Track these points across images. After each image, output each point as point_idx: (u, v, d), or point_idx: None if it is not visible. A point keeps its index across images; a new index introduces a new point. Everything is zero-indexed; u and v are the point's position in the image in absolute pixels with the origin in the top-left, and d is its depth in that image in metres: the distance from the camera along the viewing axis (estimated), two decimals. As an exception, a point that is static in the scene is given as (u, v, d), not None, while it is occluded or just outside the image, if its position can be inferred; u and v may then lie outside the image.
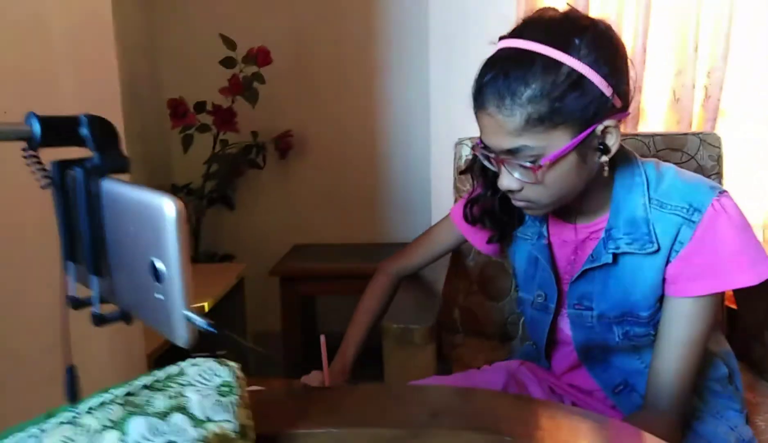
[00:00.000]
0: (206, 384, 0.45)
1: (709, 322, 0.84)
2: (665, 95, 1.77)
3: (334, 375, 1.02)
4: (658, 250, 0.83)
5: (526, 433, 0.50)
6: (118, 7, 1.84)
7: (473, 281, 1.52)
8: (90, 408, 0.42)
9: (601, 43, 0.75)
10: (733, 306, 1.39)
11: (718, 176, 1.40)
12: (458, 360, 1.38)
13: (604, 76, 0.74)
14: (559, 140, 0.75)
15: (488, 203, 0.95)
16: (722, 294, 0.86)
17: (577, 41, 0.73)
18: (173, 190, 2.07)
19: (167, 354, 1.24)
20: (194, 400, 0.44)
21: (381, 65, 2.16)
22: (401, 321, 0.97)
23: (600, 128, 0.76)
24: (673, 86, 1.75)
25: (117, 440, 0.41)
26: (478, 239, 1.07)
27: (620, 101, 0.77)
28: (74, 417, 0.42)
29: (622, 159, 0.86)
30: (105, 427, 0.41)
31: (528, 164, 0.76)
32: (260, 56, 1.86)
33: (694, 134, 1.41)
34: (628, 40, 1.70)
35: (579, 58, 0.73)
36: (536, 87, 0.72)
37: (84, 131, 0.37)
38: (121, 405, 0.42)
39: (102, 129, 0.38)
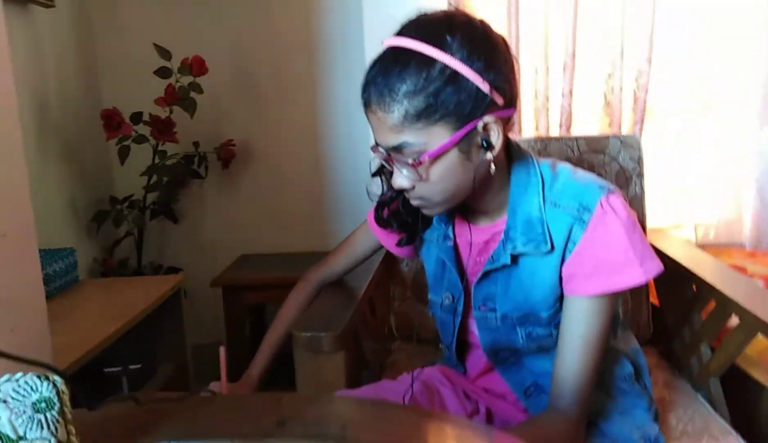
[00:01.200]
0: (21, 400, 0.44)
1: (606, 321, 0.85)
2: (598, 99, 1.81)
3: (238, 386, 1.01)
4: (553, 249, 0.85)
5: (372, 439, 0.50)
6: (51, 17, 1.84)
7: (407, 287, 1.52)
8: None
9: (474, 40, 0.77)
10: (656, 303, 1.42)
11: (639, 177, 1.43)
12: (392, 367, 1.38)
13: (479, 72, 0.75)
14: (439, 136, 0.76)
15: (394, 205, 0.95)
16: (619, 293, 0.86)
17: (449, 38, 0.75)
18: (112, 202, 2.03)
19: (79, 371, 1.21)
20: (4, 418, 0.43)
21: (322, 71, 2.16)
22: (310, 329, 0.96)
23: (480, 124, 0.77)
24: (604, 90, 1.78)
25: None
26: (390, 242, 1.08)
27: (501, 98, 0.78)
28: None
29: (518, 159, 0.88)
30: None
31: (411, 161, 0.77)
32: (195, 66, 1.84)
33: (615, 137, 1.44)
34: (559, 45, 1.73)
35: (452, 54, 0.75)
36: (411, 83, 0.75)
37: None
38: None
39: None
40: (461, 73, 0.75)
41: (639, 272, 0.82)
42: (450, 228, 0.96)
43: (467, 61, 0.75)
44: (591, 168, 1.42)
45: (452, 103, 0.75)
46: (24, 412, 0.43)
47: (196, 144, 2.08)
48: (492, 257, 0.90)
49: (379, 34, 1.72)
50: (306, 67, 2.15)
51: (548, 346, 0.92)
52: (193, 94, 1.89)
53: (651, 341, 1.41)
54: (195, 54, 1.88)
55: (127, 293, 1.61)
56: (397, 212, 0.95)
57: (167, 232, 2.24)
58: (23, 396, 0.44)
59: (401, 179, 0.81)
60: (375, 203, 1.00)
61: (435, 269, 1.00)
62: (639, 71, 1.71)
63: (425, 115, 0.75)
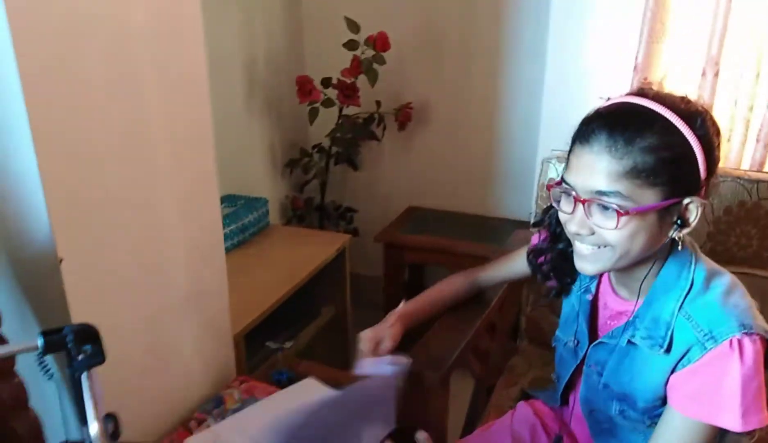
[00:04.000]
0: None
1: None
2: None
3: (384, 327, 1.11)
4: (668, 353, 0.85)
5: None
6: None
7: (542, 295, 1.58)
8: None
9: (712, 130, 0.80)
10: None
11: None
12: (511, 371, 1.49)
13: (705, 159, 0.79)
14: (648, 199, 0.79)
15: (548, 256, 1.02)
16: (717, 430, 0.85)
17: (699, 120, 0.78)
18: (303, 153, 2.32)
19: (254, 333, 1.53)
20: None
21: (507, 42, 2.11)
22: (417, 365, 1.11)
23: (686, 201, 0.80)
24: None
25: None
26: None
27: (705, 185, 0.81)
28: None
29: (677, 254, 0.87)
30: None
31: (616, 207, 0.78)
32: (379, 42, 1.95)
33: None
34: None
35: (696, 135, 0.78)
36: (652, 141, 0.77)
37: (69, 339, 0.57)
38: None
39: (82, 335, 0.58)
40: (696, 154, 0.78)
41: (737, 421, 0.80)
42: (594, 284, 1.00)
43: (704, 146, 0.78)
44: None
45: (675, 175, 0.78)
46: None
47: (378, 103, 2.23)
48: (612, 332, 0.94)
49: (565, 7, 1.68)
50: (493, 37, 2.12)
51: (641, 430, 0.96)
52: (375, 65, 2.01)
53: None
54: (381, 29, 1.98)
55: (303, 248, 1.91)
56: (544, 265, 1.02)
57: (348, 178, 2.50)
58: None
59: (583, 223, 0.82)
60: (537, 236, 1.08)
61: (569, 313, 1.06)
62: None
63: (648, 175, 0.77)
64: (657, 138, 0.77)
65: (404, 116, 2.22)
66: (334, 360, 1.99)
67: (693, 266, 0.86)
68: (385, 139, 2.33)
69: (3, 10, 0.78)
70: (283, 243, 1.97)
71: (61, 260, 0.93)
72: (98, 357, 0.58)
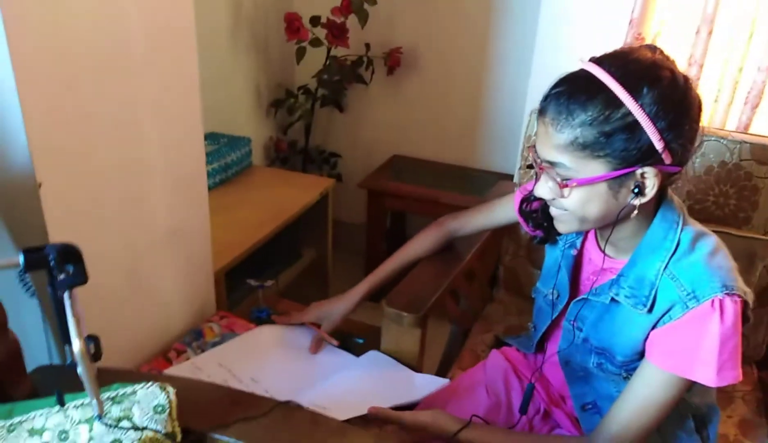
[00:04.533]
0: (147, 404, 0.68)
1: (671, 398, 0.87)
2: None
3: (335, 301, 1.23)
4: (650, 313, 0.88)
5: None
6: None
7: (522, 246, 1.60)
8: (75, 405, 0.67)
9: (669, 99, 0.78)
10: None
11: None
12: (486, 319, 1.52)
13: (660, 130, 0.78)
14: (594, 169, 0.80)
15: (536, 204, 1.03)
16: (689, 384, 0.88)
17: (645, 89, 0.77)
18: (288, 94, 2.27)
19: (235, 271, 1.53)
20: (137, 414, 0.67)
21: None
22: (397, 306, 1.13)
23: (640, 171, 0.80)
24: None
25: (87, 432, 0.66)
26: (528, 226, 1.14)
27: (671, 157, 0.80)
28: (66, 408, 0.67)
29: (665, 215, 0.88)
30: (80, 421, 0.66)
31: (559, 179, 0.82)
32: (371, -20, 1.89)
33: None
34: None
35: (641, 105, 0.77)
36: (591, 115, 0.78)
37: (51, 258, 0.57)
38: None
39: (64, 255, 0.58)
40: (642, 125, 0.77)
41: (712, 376, 0.82)
42: (579, 240, 1.02)
43: (654, 116, 0.77)
44: (747, 180, 1.31)
45: (620, 148, 0.78)
46: (148, 412, 0.68)
47: (367, 46, 2.18)
48: (595, 289, 0.96)
49: None
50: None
51: (617, 381, 0.99)
52: (366, 6, 1.96)
53: (761, 363, 1.37)
54: (374, -35, 1.91)
55: (286, 190, 1.89)
56: (538, 212, 1.02)
57: (333, 121, 2.47)
58: (149, 400, 0.68)
59: (544, 189, 0.86)
60: (524, 187, 1.09)
61: (552, 266, 1.07)
62: None
63: (591, 148, 0.79)
64: (597, 112, 0.77)
65: (393, 61, 2.18)
66: (313, 301, 2.00)
67: (679, 228, 0.87)
68: (373, 84, 2.29)
69: None
70: (266, 184, 1.95)
71: (39, 185, 0.91)
72: (80, 276, 0.58)
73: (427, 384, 1.12)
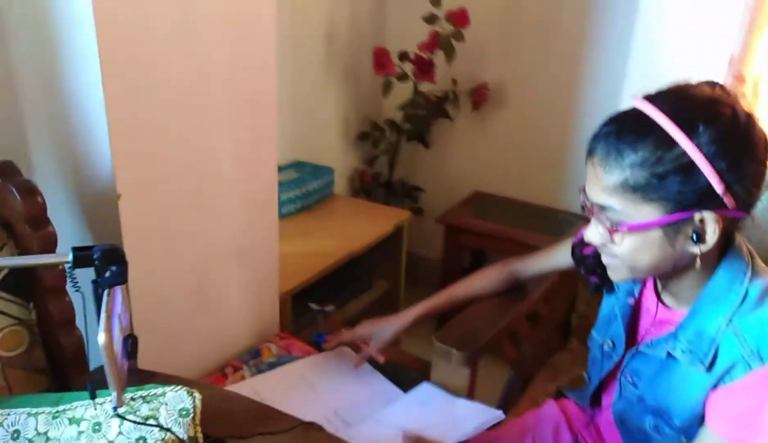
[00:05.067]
0: (173, 406, 0.71)
1: None
2: None
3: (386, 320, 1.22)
4: (709, 371, 0.80)
5: None
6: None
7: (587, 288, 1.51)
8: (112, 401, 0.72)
9: (729, 138, 0.72)
10: None
11: None
12: (552, 367, 1.44)
13: (719, 171, 0.72)
14: (647, 213, 0.75)
15: (590, 249, 0.96)
16: None
17: (701, 128, 0.71)
18: (374, 126, 2.34)
19: (303, 295, 1.57)
20: (163, 415, 0.70)
21: (592, 29, 2.02)
22: (447, 341, 1.10)
23: (698, 216, 0.74)
24: None
25: (118, 427, 0.70)
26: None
27: (733, 201, 0.74)
28: (103, 402, 0.72)
29: (731, 264, 0.81)
30: (113, 416, 0.71)
31: (609, 224, 0.78)
32: (458, 18, 1.92)
33: None
34: None
35: (697, 145, 0.72)
36: (642, 156, 0.73)
37: (97, 257, 0.62)
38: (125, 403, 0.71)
39: (109, 255, 0.63)
40: (699, 166, 0.72)
41: None
42: (638, 287, 0.96)
43: (711, 156, 0.72)
44: None
45: (675, 190, 0.73)
46: (173, 415, 0.71)
47: (454, 81, 2.20)
48: (652, 342, 0.89)
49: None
50: (577, 21, 2.03)
51: None
52: (453, 41, 1.99)
53: None
54: (463, 5, 1.95)
55: (363, 220, 1.93)
56: (590, 257, 0.97)
57: (418, 155, 2.49)
58: (175, 403, 0.71)
59: (594, 234, 0.82)
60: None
61: (608, 314, 1.01)
62: None
63: (642, 191, 0.74)
64: (649, 152, 0.72)
65: (479, 97, 2.17)
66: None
67: (747, 278, 0.79)
68: (458, 119, 2.29)
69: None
70: (344, 213, 2.00)
71: (119, 196, 0.99)
72: (122, 277, 0.63)
73: (480, 413, 1.07)
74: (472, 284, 1.25)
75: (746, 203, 0.75)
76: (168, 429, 0.70)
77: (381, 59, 2.07)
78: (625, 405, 0.95)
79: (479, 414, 1.08)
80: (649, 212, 0.75)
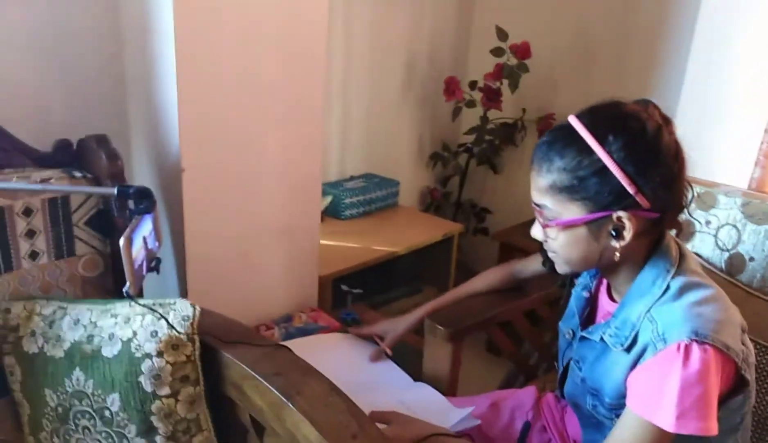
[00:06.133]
0: (179, 312, 0.96)
1: None
2: None
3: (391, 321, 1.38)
4: (628, 351, 0.91)
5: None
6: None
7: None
8: (143, 304, 0.98)
9: (637, 146, 0.85)
10: None
11: None
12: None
13: (629, 174, 0.85)
14: (573, 211, 0.89)
15: None
16: (670, 436, 0.86)
17: (611, 137, 0.85)
18: (445, 148, 2.53)
19: (342, 279, 1.79)
20: (171, 317, 0.95)
21: (656, 64, 2.07)
22: (436, 319, 1.26)
23: (615, 215, 0.87)
24: None
25: (140, 320, 0.96)
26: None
27: (646, 201, 0.86)
28: (133, 305, 0.99)
29: (656, 262, 0.92)
30: (138, 314, 0.97)
31: (542, 221, 0.93)
32: (520, 50, 2.08)
33: None
34: None
35: (608, 152, 0.85)
36: (566, 162, 0.88)
37: (132, 192, 0.89)
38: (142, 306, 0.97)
39: (140, 194, 0.89)
40: (611, 170, 0.85)
41: (670, 421, 0.81)
42: (593, 284, 1.08)
43: (620, 162, 0.85)
44: None
45: (593, 191, 0.87)
46: (178, 318, 0.95)
47: (523, 110, 2.34)
48: (591, 329, 1.01)
49: (708, 30, 1.65)
50: (646, 56, 2.10)
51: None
52: (518, 72, 2.14)
53: None
54: (536, 39, 2.11)
55: (416, 228, 2.12)
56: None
57: (488, 178, 2.64)
58: (181, 310, 0.96)
59: (536, 230, 0.96)
60: None
61: (571, 306, 1.13)
62: None
63: (567, 191, 0.88)
64: (571, 158, 0.85)
65: (545, 125, 2.29)
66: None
67: (670, 276, 0.89)
68: (526, 146, 2.42)
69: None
70: (402, 222, 2.20)
71: (183, 170, 1.28)
72: (149, 208, 0.89)
73: (457, 418, 1.16)
74: (474, 283, 1.39)
75: (659, 204, 0.85)
76: (172, 327, 0.94)
77: (450, 87, 2.27)
78: (573, 387, 1.05)
79: (457, 415, 1.16)
80: (575, 211, 0.87)
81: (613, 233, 0.86)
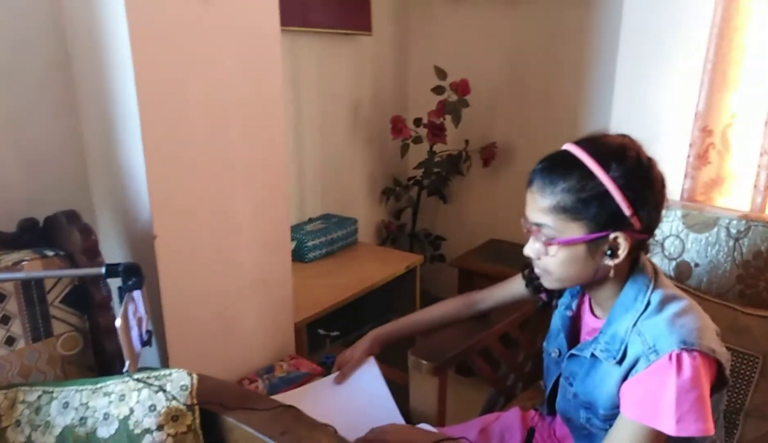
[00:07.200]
0: (177, 382, 0.96)
1: None
2: None
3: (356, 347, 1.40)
4: (620, 364, 0.98)
5: None
6: (372, 42, 2.43)
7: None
8: (137, 379, 0.98)
9: (635, 174, 0.93)
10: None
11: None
12: (537, 389, 1.59)
13: (628, 199, 0.92)
14: (573, 231, 0.95)
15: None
16: (662, 437, 0.94)
17: (614, 165, 0.92)
18: (396, 182, 2.61)
19: (320, 324, 1.81)
20: (168, 387, 0.96)
21: (588, 90, 2.23)
22: (418, 354, 1.31)
23: (612, 236, 0.94)
24: None
25: (137, 396, 0.96)
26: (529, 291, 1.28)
27: (639, 224, 0.94)
28: (127, 381, 0.98)
29: (636, 279, 1.01)
30: (134, 390, 0.97)
31: (544, 239, 0.98)
32: (460, 87, 2.19)
33: None
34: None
35: (611, 178, 0.93)
36: (570, 184, 0.94)
37: (120, 270, 0.89)
38: (136, 381, 0.97)
39: (129, 271, 0.90)
40: (612, 194, 0.93)
41: (671, 425, 0.88)
42: (575, 302, 1.15)
43: (622, 187, 0.92)
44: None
45: (593, 213, 0.94)
46: (176, 388, 0.96)
47: (466, 142, 2.45)
48: (581, 346, 1.08)
49: (633, 54, 1.80)
50: (573, 84, 2.26)
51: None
52: (459, 108, 2.25)
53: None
54: (466, 73, 2.22)
55: (379, 263, 2.17)
56: (538, 278, 1.13)
57: (439, 208, 2.73)
58: (179, 380, 0.97)
59: (531, 249, 1.02)
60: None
61: (554, 326, 1.20)
62: None
63: (570, 211, 0.95)
64: (575, 182, 0.92)
65: (488, 154, 2.41)
66: (393, 360, 2.20)
67: (649, 291, 0.98)
68: (472, 175, 2.53)
69: (128, 42, 1.16)
70: (364, 258, 2.25)
71: (155, 237, 1.29)
72: (139, 284, 0.90)
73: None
74: (430, 310, 1.44)
75: (649, 225, 0.95)
76: (173, 398, 0.95)
77: (397, 125, 2.36)
78: (565, 403, 1.12)
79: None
80: (576, 230, 0.94)
81: (608, 253, 0.94)
